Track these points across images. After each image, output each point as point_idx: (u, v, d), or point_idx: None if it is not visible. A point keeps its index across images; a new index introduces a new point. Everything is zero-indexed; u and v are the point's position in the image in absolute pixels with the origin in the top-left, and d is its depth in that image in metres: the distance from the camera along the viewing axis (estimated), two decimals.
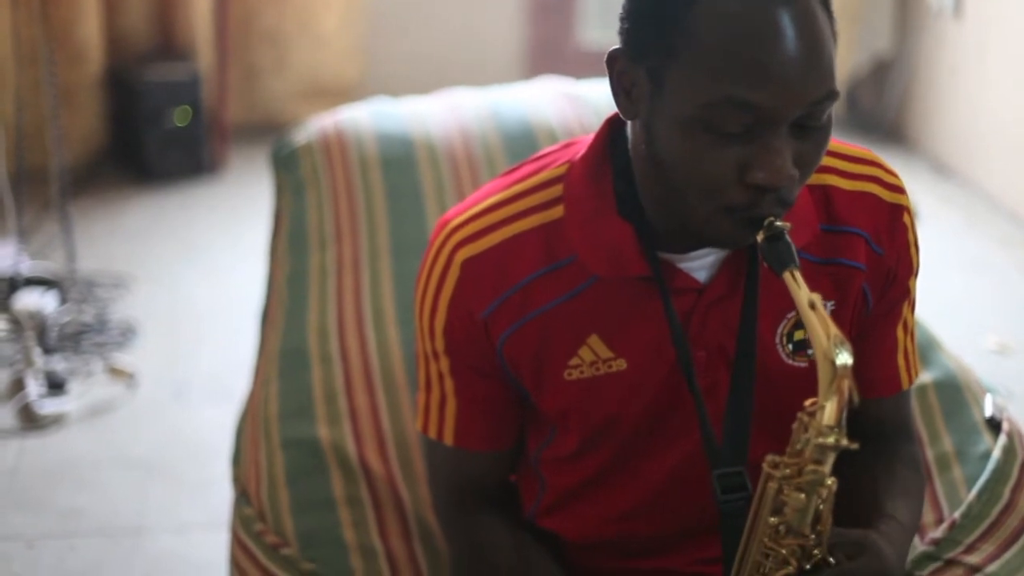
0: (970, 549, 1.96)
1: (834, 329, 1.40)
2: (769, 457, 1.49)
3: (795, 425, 1.46)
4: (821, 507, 1.47)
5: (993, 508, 2.03)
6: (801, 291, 1.44)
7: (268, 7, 5.83)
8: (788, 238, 1.48)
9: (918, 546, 1.98)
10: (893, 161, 1.75)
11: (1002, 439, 2.14)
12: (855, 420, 1.76)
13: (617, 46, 1.55)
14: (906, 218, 1.71)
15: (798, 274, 1.46)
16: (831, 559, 1.51)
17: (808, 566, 1.51)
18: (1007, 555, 1.95)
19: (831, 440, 1.42)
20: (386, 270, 2.40)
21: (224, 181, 5.57)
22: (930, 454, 2.15)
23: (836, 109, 1.53)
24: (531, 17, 6.29)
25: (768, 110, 1.43)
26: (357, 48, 6.03)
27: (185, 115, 5.40)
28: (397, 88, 3.35)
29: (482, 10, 6.27)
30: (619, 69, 1.55)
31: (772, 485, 1.49)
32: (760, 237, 1.48)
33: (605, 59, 1.56)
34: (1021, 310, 4.53)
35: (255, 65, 5.91)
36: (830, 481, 1.45)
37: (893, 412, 1.81)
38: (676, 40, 1.45)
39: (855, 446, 1.44)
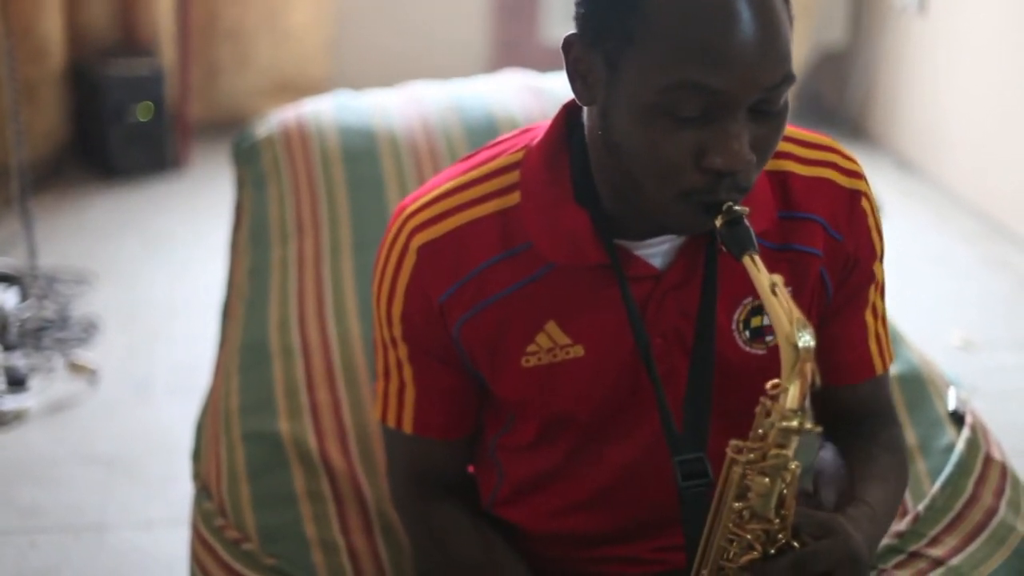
0: (934, 542, 1.97)
1: (796, 312, 1.40)
2: (732, 442, 1.48)
3: (758, 409, 1.46)
4: (785, 491, 1.47)
5: (956, 501, 2.04)
6: (762, 275, 1.43)
7: (232, 3, 5.80)
8: (747, 222, 1.47)
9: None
10: (857, 156, 1.75)
11: (965, 432, 2.15)
12: (832, 406, 1.77)
13: (573, 31, 1.54)
14: (865, 203, 1.70)
15: (758, 258, 1.45)
16: (795, 543, 1.50)
17: (773, 550, 1.50)
18: (970, 548, 1.96)
19: (794, 424, 1.42)
20: (348, 264, 2.39)
21: (187, 177, 5.54)
22: None
23: (798, 104, 1.53)
24: (496, 14, 6.28)
25: (725, 94, 1.42)
26: (322, 45, 6.01)
27: (148, 111, 5.37)
28: (362, 85, 3.33)
29: (448, 8, 6.26)
30: (575, 55, 1.54)
31: (736, 470, 1.48)
32: (719, 222, 1.48)
33: (561, 45, 1.55)
34: (985, 306, 4.54)
35: (219, 61, 5.87)
36: (794, 465, 1.45)
37: (869, 397, 1.81)
38: (632, 24, 1.44)
39: (819, 429, 1.44)
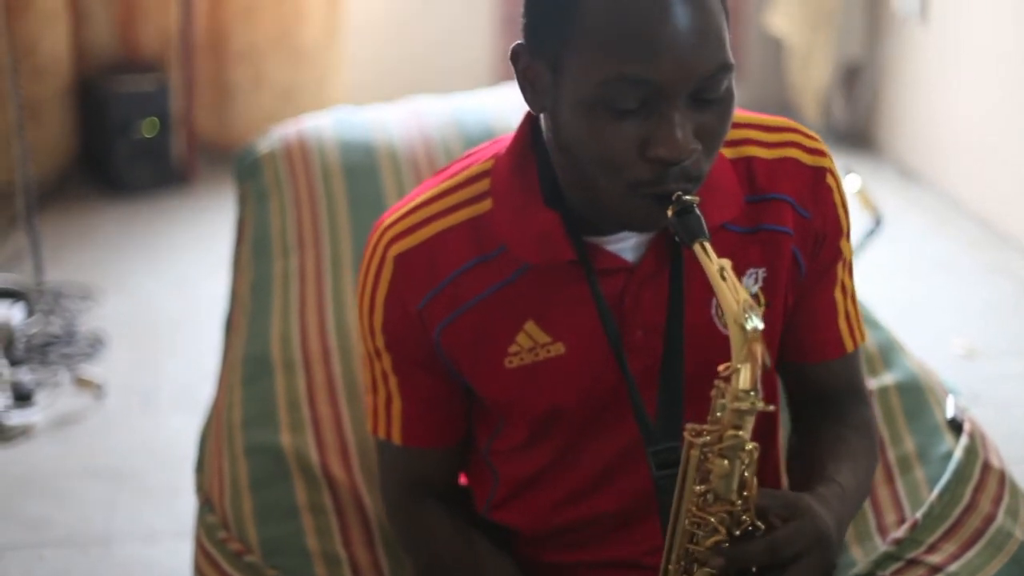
0: (932, 549, 1.97)
1: (744, 294, 1.42)
2: (690, 426, 1.51)
3: (713, 392, 1.48)
4: (746, 473, 1.49)
5: (954, 508, 2.04)
6: (711, 261, 1.46)
7: (244, 23, 5.79)
8: (698, 211, 1.50)
9: (880, 546, 1.99)
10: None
11: (963, 440, 2.15)
12: (803, 385, 1.79)
13: (520, 41, 1.58)
14: (830, 179, 1.73)
15: (708, 245, 1.48)
16: (760, 523, 1.51)
17: (738, 532, 1.51)
18: (968, 555, 1.96)
19: (747, 405, 1.44)
20: (349, 277, 2.40)
21: (193, 192, 5.55)
22: (892, 455, 2.16)
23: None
24: (502, 28, 6.29)
25: (660, 85, 1.46)
26: (335, 63, 5.99)
27: (153, 126, 5.38)
28: (375, 102, 3.33)
29: (457, 23, 6.28)
30: (523, 65, 1.58)
31: (694, 453, 1.51)
32: (670, 212, 1.50)
33: (509, 56, 1.59)
34: (988, 313, 4.54)
35: (234, 81, 5.82)
36: (750, 446, 1.47)
37: (840, 376, 1.83)
38: (568, 26, 1.49)
39: (771, 408, 1.46)
